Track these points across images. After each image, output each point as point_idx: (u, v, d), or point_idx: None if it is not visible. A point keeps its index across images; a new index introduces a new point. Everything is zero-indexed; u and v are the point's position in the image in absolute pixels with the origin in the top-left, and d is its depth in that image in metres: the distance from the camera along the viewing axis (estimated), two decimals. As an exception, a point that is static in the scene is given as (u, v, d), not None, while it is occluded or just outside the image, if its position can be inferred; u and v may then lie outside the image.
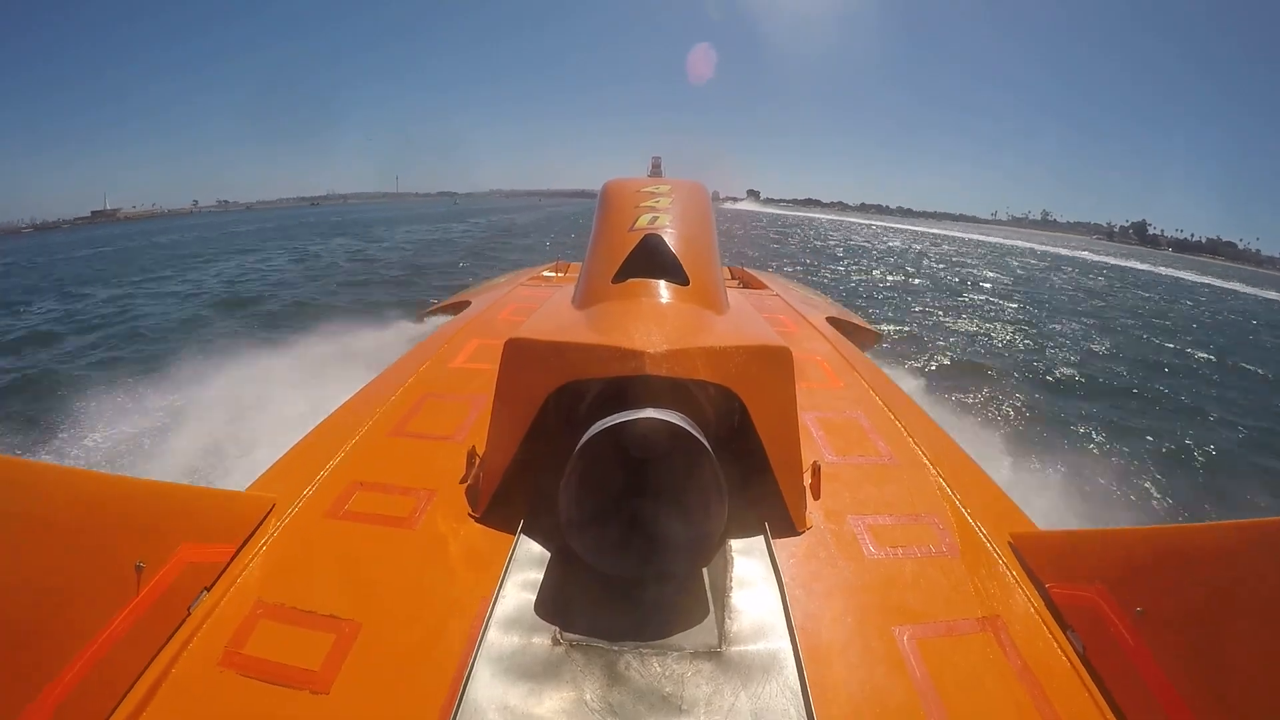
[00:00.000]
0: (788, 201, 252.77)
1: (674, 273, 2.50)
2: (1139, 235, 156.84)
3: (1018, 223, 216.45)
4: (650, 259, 2.54)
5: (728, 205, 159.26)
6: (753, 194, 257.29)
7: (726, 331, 2.31)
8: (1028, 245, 66.34)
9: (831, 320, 5.36)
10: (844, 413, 3.00)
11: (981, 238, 74.19)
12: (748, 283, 7.41)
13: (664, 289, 2.45)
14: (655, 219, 2.78)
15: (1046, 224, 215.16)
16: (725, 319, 2.49)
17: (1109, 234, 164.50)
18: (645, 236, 2.63)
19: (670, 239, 2.63)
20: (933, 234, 73.80)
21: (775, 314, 5.20)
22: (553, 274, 7.73)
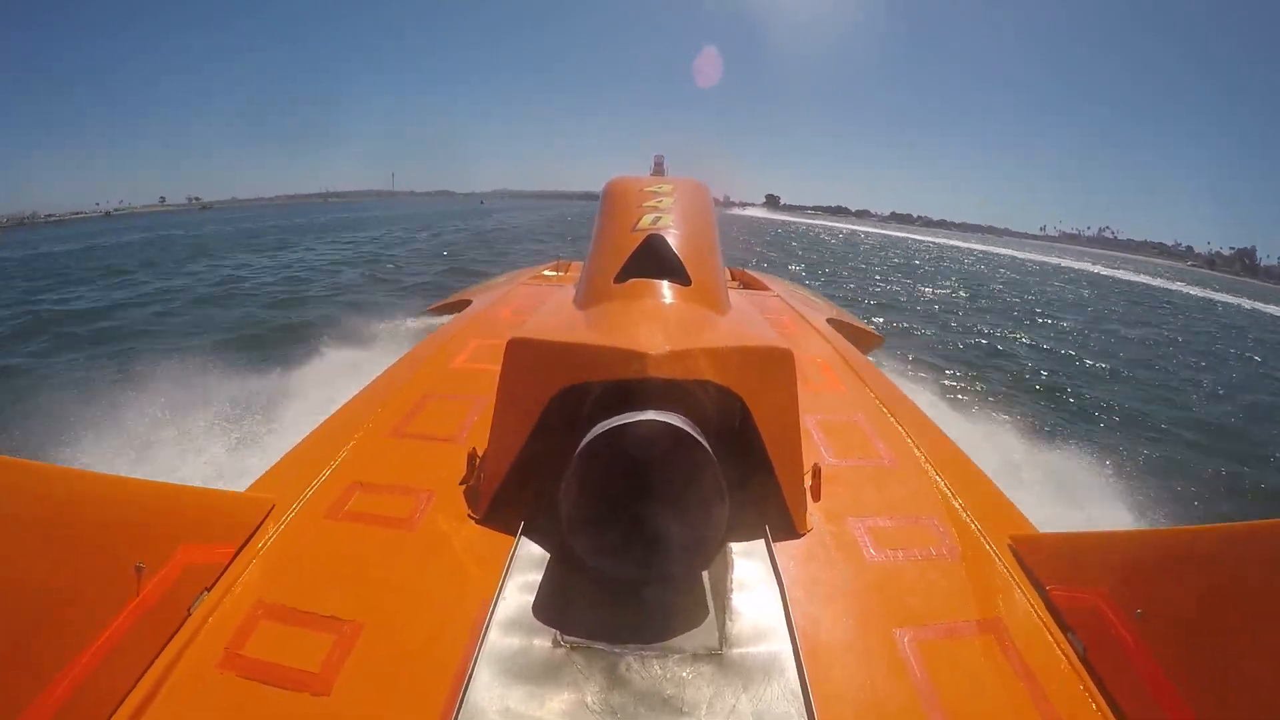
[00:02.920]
0: (811, 209, 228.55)
1: (676, 273, 2.55)
2: (1246, 266, 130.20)
3: (1071, 239, 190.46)
4: (653, 259, 2.60)
5: (734, 211, 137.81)
6: (772, 199, 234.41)
7: (729, 332, 2.39)
8: (1156, 283, 52.66)
9: (832, 322, 5.42)
10: (844, 415, 3.04)
11: (1110, 272, 58.20)
12: (749, 284, 7.35)
13: (666, 289, 2.50)
14: (658, 219, 2.83)
15: (1103, 240, 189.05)
16: (727, 320, 2.56)
17: (1209, 261, 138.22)
18: (648, 236, 2.68)
19: (673, 239, 2.68)
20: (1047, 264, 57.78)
21: (776, 315, 5.17)
22: (553, 273, 7.67)
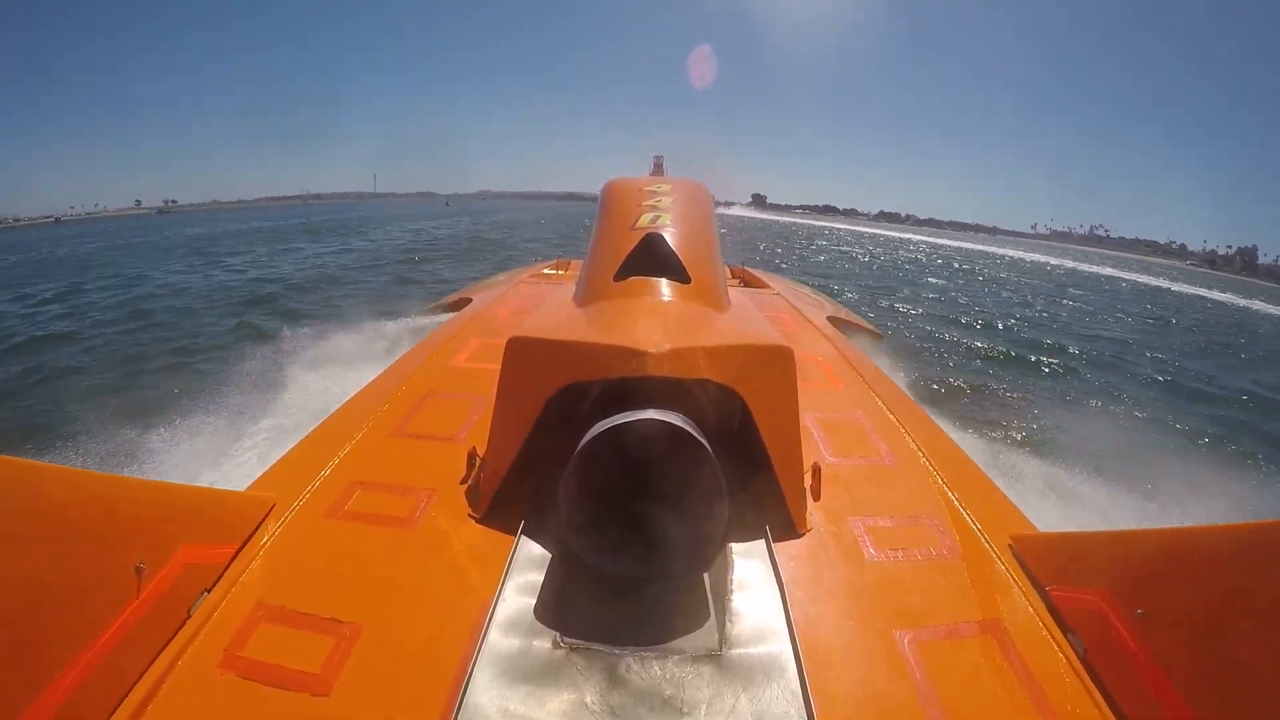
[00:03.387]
0: (800, 209, 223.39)
1: (675, 271, 2.57)
2: (1246, 264, 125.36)
3: (1062, 237, 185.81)
4: (651, 257, 2.61)
5: (718, 210, 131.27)
6: (758, 199, 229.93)
7: (728, 330, 2.41)
8: (1160, 284, 49.39)
9: (832, 320, 5.45)
10: (844, 413, 3.05)
11: (1132, 276, 53.51)
12: (749, 282, 7.40)
13: (665, 287, 2.52)
14: (657, 217, 2.84)
15: (1095, 239, 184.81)
16: (727, 318, 2.57)
17: (1209, 260, 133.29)
18: (647, 235, 2.69)
19: (671, 237, 2.70)
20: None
21: (776, 313, 5.19)
22: (553, 271, 7.74)
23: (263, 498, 2.14)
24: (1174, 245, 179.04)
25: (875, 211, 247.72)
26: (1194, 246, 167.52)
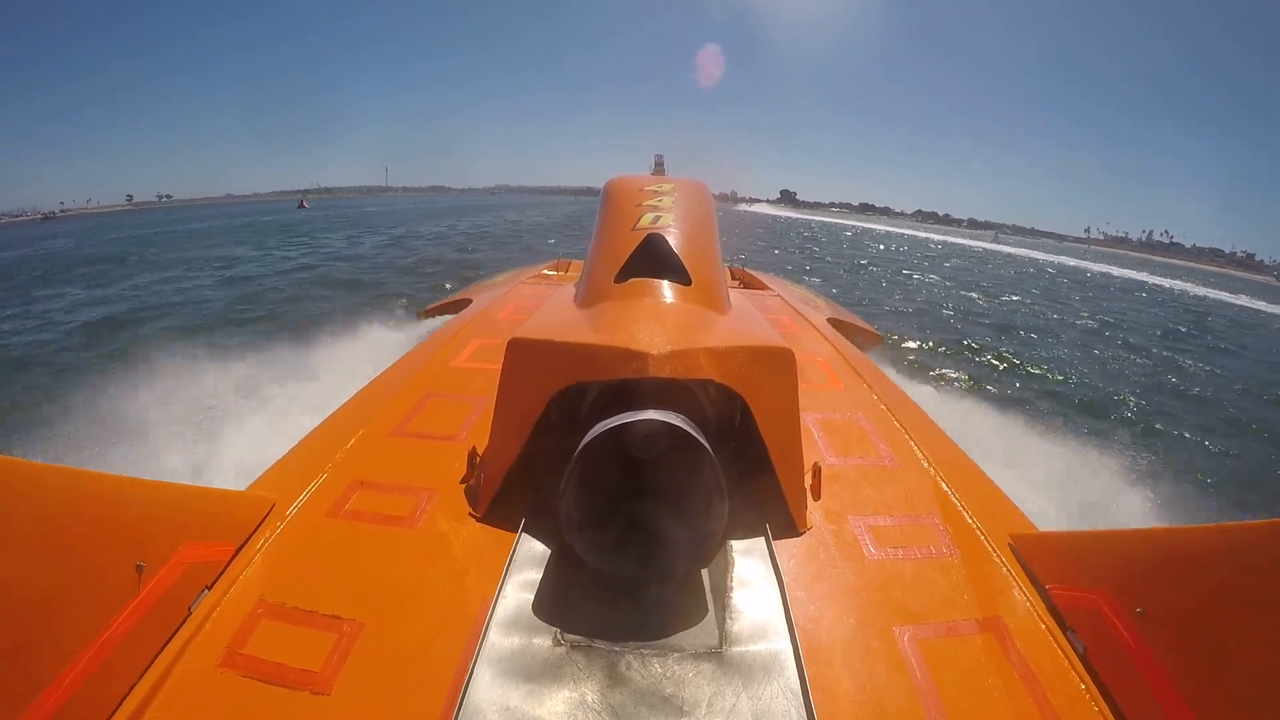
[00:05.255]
0: (837, 206, 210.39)
1: (676, 272, 2.61)
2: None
3: (1119, 243, 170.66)
4: (652, 258, 2.65)
5: (741, 207, 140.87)
6: (787, 195, 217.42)
7: (729, 332, 2.44)
8: None
9: (832, 321, 5.45)
10: (845, 414, 3.09)
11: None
12: (749, 283, 7.37)
13: (666, 289, 2.55)
14: (658, 218, 2.88)
15: (1157, 246, 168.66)
16: (727, 319, 2.61)
17: None
18: (648, 236, 2.73)
19: (673, 238, 2.74)
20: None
21: (776, 315, 5.19)
22: (553, 272, 7.70)
23: (263, 497, 2.20)
24: (1239, 254, 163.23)
25: (912, 210, 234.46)
26: (1260, 256, 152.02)
